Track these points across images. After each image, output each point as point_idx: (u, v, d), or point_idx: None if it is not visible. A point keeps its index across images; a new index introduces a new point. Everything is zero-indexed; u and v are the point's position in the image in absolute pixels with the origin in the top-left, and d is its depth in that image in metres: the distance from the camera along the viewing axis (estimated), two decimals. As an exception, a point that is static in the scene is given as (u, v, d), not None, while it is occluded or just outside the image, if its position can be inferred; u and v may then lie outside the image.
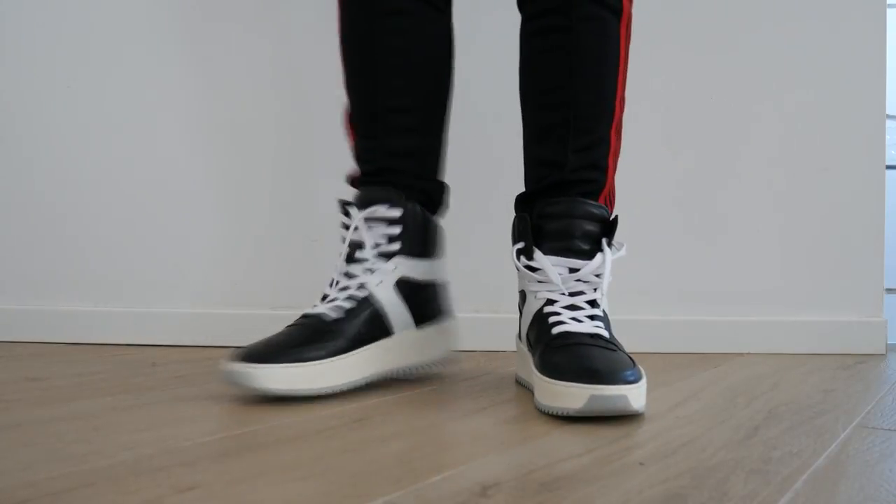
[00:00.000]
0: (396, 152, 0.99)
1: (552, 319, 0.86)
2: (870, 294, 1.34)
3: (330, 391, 0.87)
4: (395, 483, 0.57)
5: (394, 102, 0.98)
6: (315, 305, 0.92)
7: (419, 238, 0.98)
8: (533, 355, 0.88)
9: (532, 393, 0.85)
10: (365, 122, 0.99)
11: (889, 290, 1.38)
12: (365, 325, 0.92)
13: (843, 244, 1.34)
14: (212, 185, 1.43)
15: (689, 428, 0.75)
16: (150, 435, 0.70)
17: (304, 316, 0.91)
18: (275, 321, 0.93)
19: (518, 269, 0.93)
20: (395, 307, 0.95)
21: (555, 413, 0.78)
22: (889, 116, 1.38)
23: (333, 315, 0.90)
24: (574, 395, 0.76)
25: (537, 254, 0.89)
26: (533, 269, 0.90)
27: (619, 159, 0.94)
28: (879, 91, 1.33)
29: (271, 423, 0.76)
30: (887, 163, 1.36)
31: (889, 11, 1.36)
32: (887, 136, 1.35)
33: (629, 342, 1.12)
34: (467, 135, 1.37)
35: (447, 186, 1.04)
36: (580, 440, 0.70)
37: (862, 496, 0.56)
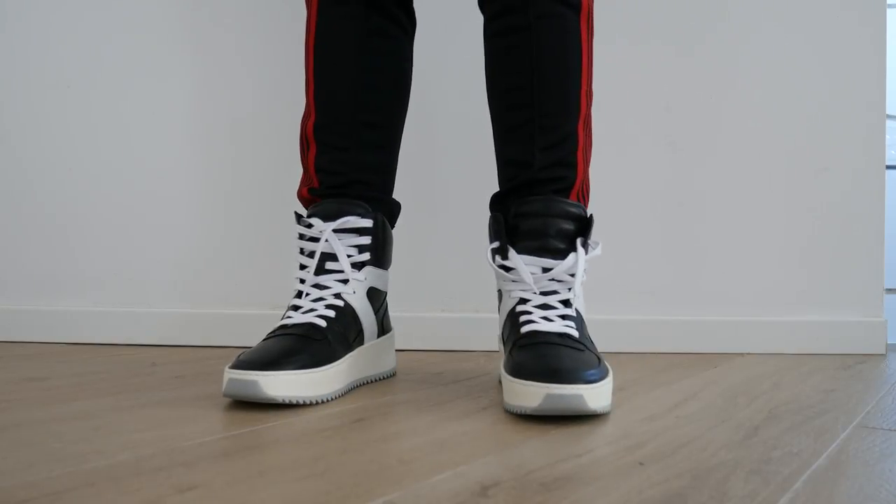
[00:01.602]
0: (368, 166, 1.00)
1: (522, 318, 0.86)
2: (870, 294, 1.34)
3: (333, 397, 0.87)
4: (395, 483, 0.57)
5: (369, 118, 1.00)
6: (289, 317, 0.91)
7: (384, 249, 0.99)
8: (504, 354, 0.88)
9: None
10: (337, 134, 0.99)
11: (889, 290, 1.38)
12: (349, 333, 0.93)
13: (843, 244, 1.34)
14: (212, 184, 1.44)
15: (689, 428, 0.75)
16: (150, 435, 0.70)
17: (284, 326, 0.90)
18: (274, 321, 0.93)
19: (493, 269, 0.92)
20: (367, 316, 0.96)
21: (515, 412, 0.78)
22: (889, 116, 1.38)
23: (323, 324, 0.90)
24: (531, 394, 0.76)
25: (511, 253, 0.89)
26: (507, 269, 0.90)
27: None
28: (879, 91, 1.33)
29: (271, 423, 0.76)
30: (887, 163, 1.36)
31: (889, 11, 1.36)
32: (887, 136, 1.35)
33: (629, 342, 1.13)
34: (463, 135, 1.37)
35: (400, 205, 1.06)
36: (580, 440, 0.70)
37: (862, 496, 0.56)
